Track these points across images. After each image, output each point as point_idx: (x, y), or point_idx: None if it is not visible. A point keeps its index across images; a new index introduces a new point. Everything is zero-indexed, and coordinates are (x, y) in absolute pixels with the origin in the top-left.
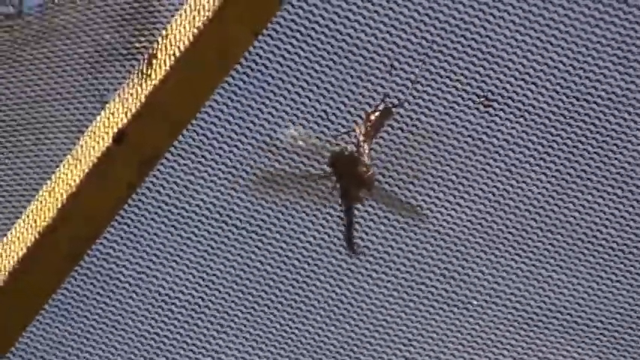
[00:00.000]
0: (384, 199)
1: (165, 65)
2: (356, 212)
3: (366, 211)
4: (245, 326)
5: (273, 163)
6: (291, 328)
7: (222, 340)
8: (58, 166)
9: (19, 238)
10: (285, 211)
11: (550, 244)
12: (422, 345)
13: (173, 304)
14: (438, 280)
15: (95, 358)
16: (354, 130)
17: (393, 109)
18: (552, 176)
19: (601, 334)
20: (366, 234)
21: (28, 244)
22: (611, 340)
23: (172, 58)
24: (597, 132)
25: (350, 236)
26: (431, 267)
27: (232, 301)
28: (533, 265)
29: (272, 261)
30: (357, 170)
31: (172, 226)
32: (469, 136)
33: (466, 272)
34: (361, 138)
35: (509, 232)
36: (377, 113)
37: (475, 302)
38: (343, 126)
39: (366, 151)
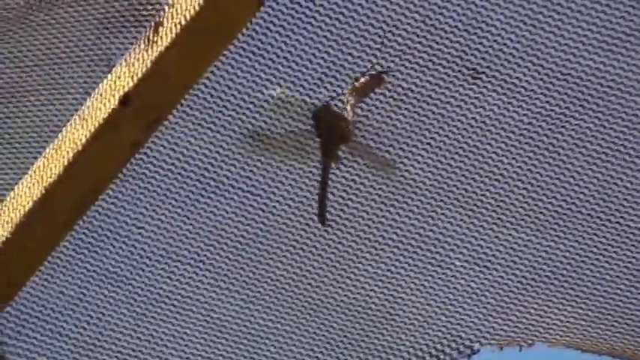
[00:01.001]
0: (361, 152)
1: (171, 33)
2: (332, 177)
3: (342, 177)
4: (237, 280)
5: (261, 122)
6: (272, 280)
7: (215, 293)
8: (65, 126)
9: (25, 192)
10: (270, 169)
11: (530, 209)
12: (402, 306)
13: (169, 257)
14: (417, 242)
15: (93, 307)
16: (343, 94)
17: (384, 77)
18: (535, 145)
19: (569, 292)
20: (343, 196)
21: (34, 199)
22: (587, 301)
23: (178, 26)
24: (580, 105)
25: (322, 203)
26: (413, 224)
27: (226, 256)
28: (504, 226)
29: (256, 216)
30: (338, 125)
31: (172, 183)
32: (457, 105)
33: (443, 230)
34: (348, 99)
35: (492, 198)
36: (366, 77)
37: (458, 263)
38: (334, 89)
39: (350, 112)
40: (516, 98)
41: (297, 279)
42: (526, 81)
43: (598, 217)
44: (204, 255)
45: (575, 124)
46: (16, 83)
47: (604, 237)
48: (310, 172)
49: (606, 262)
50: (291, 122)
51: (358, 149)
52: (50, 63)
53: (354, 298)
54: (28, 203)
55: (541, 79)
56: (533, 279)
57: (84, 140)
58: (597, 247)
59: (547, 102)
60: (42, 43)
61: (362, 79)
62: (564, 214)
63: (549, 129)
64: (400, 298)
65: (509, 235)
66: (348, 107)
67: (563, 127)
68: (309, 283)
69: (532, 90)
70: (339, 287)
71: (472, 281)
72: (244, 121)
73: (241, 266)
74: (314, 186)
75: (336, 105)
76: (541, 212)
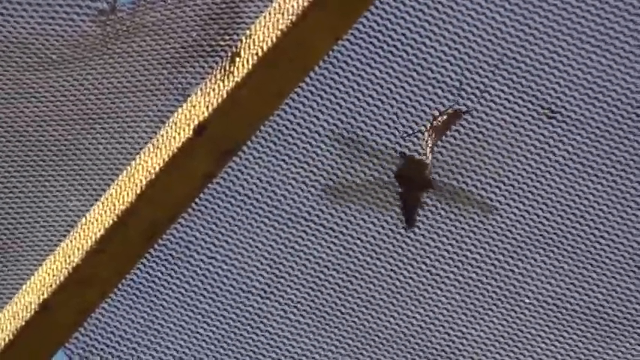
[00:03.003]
0: (447, 195)
1: (248, 64)
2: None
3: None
4: (307, 313)
5: (342, 163)
6: (348, 319)
7: (285, 325)
8: (139, 153)
9: (97, 219)
10: (348, 213)
11: (602, 249)
12: (474, 338)
13: (240, 288)
14: (493, 277)
15: (162, 335)
16: (421, 132)
17: (460, 114)
18: (608, 186)
19: None
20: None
21: (106, 226)
22: None
23: (255, 57)
24: None
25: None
26: (487, 266)
27: (296, 289)
28: (585, 268)
29: (333, 257)
30: (421, 174)
31: (244, 215)
32: (532, 144)
33: (520, 271)
34: (427, 139)
35: (564, 236)
36: (444, 116)
37: (527, 300)
38: (412, 128)
39: (430, 153)
40: (590, 138)
41: (369, 315)
42: (601, 121)
43: None
44: (275, 287)
45: None
46: (90, 110)
47: None
48: (388, 216)
49: None
50: (371, 166)
51: (444, 194)
52: (126, 91)
53: (420, 322)
54: (100, 230)
55: (616, 120)
56: (590, 319)
57: (157, 169)
58: None
59: (621, 142)
60: (118, 71)
61: (439, 118)
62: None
63: (623, 169)
64: (467, 323)
65: (579, 273)
66: (428, 150)
67: (637, 167)
68: (384, 316)
69: (607, 130)
70: (411, 314)
71: (541, 317)
72: (318, 154)
73: (312, 299)
74: (392, 230)
75: (412, 141)
76: (612, 252)
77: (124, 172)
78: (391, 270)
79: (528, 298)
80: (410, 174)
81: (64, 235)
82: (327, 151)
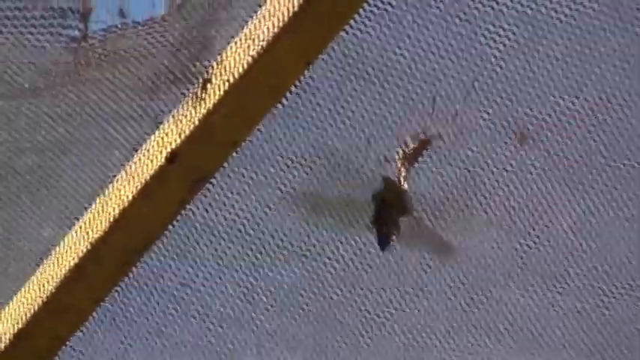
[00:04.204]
0: (416, 233)
1: (219, 90)
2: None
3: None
4: (281, 340)
5: (316, 188)
6: (323, 347)
7: (260, 354)
8: (112, 182)
9: (71, 247)
10: (322, 239)
11: (575, 275)
12: None
13: (215, 317)
14: (467, 305)
15: None
16: (393, 160)
17: (432, 140)
18: (581, 212)
19: None
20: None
21: (80, 254)
22: None
23: (226, 83)
24: (627, 172)
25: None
26: (461, 293)
27: (270, 317)
28: (558, 294)
29: (308, 284)
30: (400, 198)
31: (218, 242)
32: (504, 169)
33: (494, 299)
34: (400, 167)
35: (538, 264)
36: (416, 143)
37: (502, 327)
38: (385, 155)
39: (404, 183)
40: (563, 164)
41: (343, 344)
42: (574, 147)
43: None
44: (250, 315)
45: (620, 192)
46: (63, 138)
47: None
48: (366, 239)
49: None
50: (348, 188)
51: (417, 228)
52: (98, 119)
53: (393, 350)
54: (74, 259)
55: (588, 145)
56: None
57: (130, 197)
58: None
59: (595, 168)
60: (90, 99)
61: (411, 145)
62: (609, 280)
63: (597, 195)
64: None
65: (553, 298)
66: (401, 177)
67: (610, 194)
68: (359, 346)
69: (581, 156)
70: (384, 342)
71: (514, 345)
72: (292, 179)
73: (286, 327)
74: (369, 252)
75: (385, 167)
76: (585, 279)
77: (97, 200)
78: (366, 295)
79: (503, 325)
80: (387, 198)
81: (38, 264)
82: (301, 176)
